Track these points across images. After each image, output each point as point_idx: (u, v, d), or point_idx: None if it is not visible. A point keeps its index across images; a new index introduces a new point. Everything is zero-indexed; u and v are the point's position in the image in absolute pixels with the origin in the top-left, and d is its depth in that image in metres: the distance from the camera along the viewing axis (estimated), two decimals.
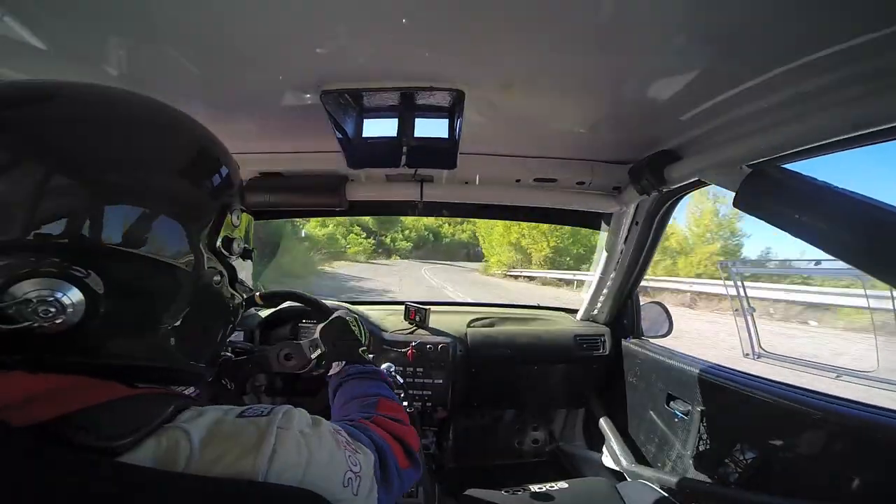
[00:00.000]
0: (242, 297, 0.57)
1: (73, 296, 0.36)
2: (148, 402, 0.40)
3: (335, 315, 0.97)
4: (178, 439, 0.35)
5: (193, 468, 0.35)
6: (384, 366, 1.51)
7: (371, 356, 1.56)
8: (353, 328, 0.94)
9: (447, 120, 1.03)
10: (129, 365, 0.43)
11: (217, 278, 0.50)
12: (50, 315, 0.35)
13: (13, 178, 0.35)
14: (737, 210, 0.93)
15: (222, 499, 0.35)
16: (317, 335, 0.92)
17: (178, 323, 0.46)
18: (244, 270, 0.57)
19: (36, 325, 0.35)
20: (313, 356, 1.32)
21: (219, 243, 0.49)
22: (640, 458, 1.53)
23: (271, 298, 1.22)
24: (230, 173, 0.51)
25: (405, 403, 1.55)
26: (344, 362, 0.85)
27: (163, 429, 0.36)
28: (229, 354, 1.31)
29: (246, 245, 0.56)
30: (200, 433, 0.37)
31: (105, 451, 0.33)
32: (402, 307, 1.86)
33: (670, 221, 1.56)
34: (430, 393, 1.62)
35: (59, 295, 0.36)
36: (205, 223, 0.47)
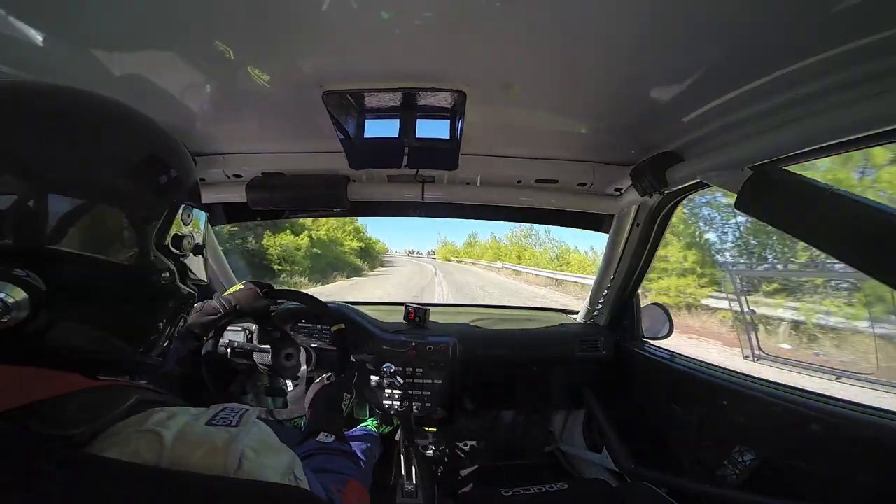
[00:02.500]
0: (193, 290, 0.57)
1: (17, 295, 0.37)
2: (107, 393, 0.40)
3: (330, 381, 1.08)
4: (150, 442, 0.36)
5: (165, 464, 0.35)
6: (384, 366, 1.50)
7: (372, 355, 1.57)
8: (344, 403, 1.02)
9: (448, 121, 1.03)
10: (87, 357, 0.44)
11: (166, 275, 0.50)
12: None
13: None
14: None
15: (191, 490, 0.35)
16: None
17: (126, 318, 0.47)
18: (196, 264, 0.58)
19: None
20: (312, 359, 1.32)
21: (168, 241, 0.50)
22: (640, 459, 1.53)
23: (276, 295, 1.23)
24: (180, 171, 0.51)
25: (404, 403, 1.55)
26: (327, 434, 0.85)
27: (132, 432, 0.36)
28: (227, 351, 1.32)
29: (197, 242, 0.56)
30: (172, 435, 0.37)
31: (62, 440, 0.33)
32: (402, 307, 1.86)
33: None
34: (429, 393, 1.62)
35: (7, 297, 0.36)
36: (152, 222, 0.47)
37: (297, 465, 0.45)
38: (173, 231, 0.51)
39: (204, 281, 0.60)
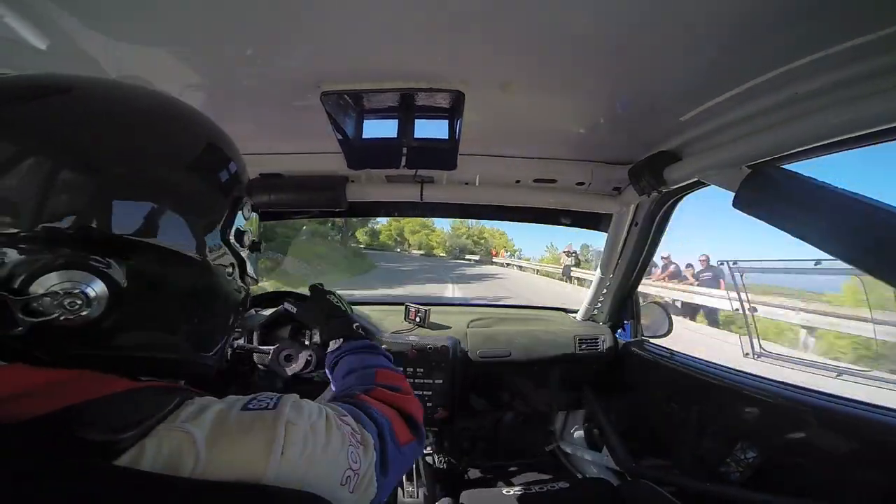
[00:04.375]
0: (249, 289, 0.57)
1: (98, 288, 0.37)
2: (152, 394, 0.39)
3: (315, 292, 0.99)
4: (181, 443, 0.34)
5: (200, 472, 0.34)
6: None
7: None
8: (339, 304, 0.95)
9: (447, 121, 1.03)
10: (139, 357, 0.43)
11: (230, 270, 0.50)
12: (76, 307, 0.36)
13: (29, 171, 0.35)
14: None
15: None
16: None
17: (193, 314, 0.47)
18: (250, 264, 0.57)
19: (62, 317, 0.35)
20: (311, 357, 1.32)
21: (232, 236, 0.50)
22: (641, 458, 1.53)
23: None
24: (241, 167, 0.53)
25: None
26: (341, 339, 0.85)
27: (163, 430, 0.35)
28: (229, 352, 1.32)
29: (254, 238, 0.56)
30: (204, 432, 0.36)
31: (106, 447, 0.32)
32: (402, 307, 1.86)
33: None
34: (430, 393, 1.62)
35: (85, 287, 0.36)
36: (220, 215, 0.48)
37: (323, 409, 0.47)
38: (236, 225, 0.51)
39: (257, 279, 0.59)
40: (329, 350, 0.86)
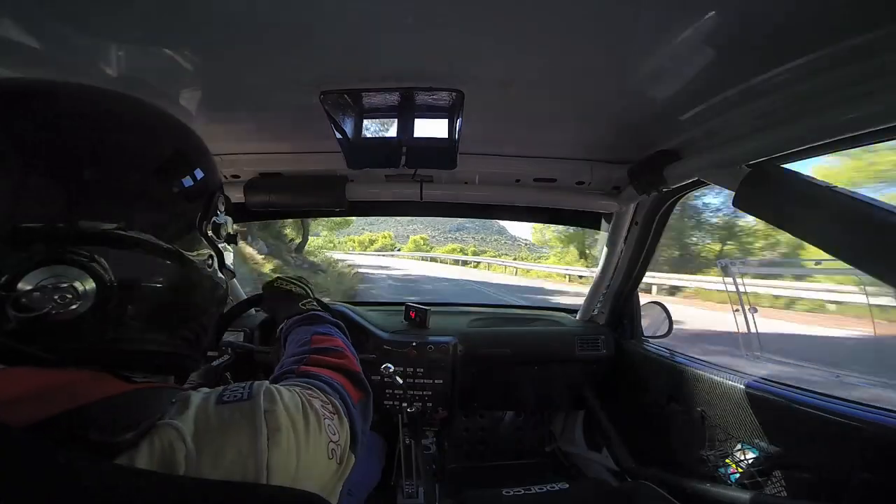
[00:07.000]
0: (227, 282, 0.58)
1: (87, 283, 0.37)
2: (147, 395, 0.40)
3: (264, 287, 0.98)
4: (172, 440, 0.35)
5: (193, 470, 0.35)
6: (384, 366, 1.51)
7: (372, 355, 1.56)
8: (285, 287, 0.93)
9: (447, 120, 1.03)
10: (131, 352, 0.43)
11: (209, 262, 0.51)
12: (67, 301, 0.36)
13: (10, 171, 0.36)
14: None
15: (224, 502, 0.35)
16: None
17: (178, 306, 0.47)
18: (228, 256, 0.58)
19: (54, 311, 0.36)
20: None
21: (209, 228, 0.51)
22: (640, 459, 1.53)
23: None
24: (212, 164, 0.54)
25: (404, 404, 1.55)
26: (285, 320, 0.84)
27: (154, 428, 0.36)
28: (229, 354, 1.32)
29: (229, 231, 0.57)
30: (190, 427, 0.37)
31: (107, 448, 0.33)
32: (402, 307, 1.86)
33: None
34: (430, 393, 1.62)
35: (73, 281, 0.36)
36: (198, 208, 0.49)
37: (294, 391, 0.47)
38: (212, 218, 0.52)
39: (234, 272, 0.60)
40: (277, 335, 0.85)
